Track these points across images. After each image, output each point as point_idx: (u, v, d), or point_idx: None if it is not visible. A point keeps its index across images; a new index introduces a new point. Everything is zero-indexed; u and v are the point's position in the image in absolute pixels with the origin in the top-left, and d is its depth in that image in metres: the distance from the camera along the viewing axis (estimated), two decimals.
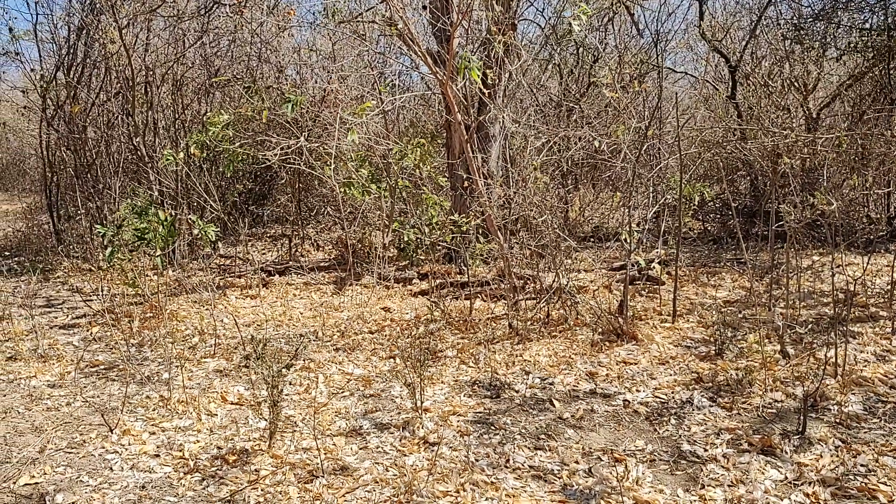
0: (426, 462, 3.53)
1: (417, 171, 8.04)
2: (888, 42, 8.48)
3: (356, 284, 7.47)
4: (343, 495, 3.24)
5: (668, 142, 8.76)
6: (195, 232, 7.46)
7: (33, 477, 3.44)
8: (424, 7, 8.19)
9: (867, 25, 9.17)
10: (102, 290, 6.92)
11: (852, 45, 9.07)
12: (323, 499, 3.19)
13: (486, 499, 3.19)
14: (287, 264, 8.26)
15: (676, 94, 8.02)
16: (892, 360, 4.73)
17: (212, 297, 6.63)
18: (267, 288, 7.41)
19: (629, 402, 4.28)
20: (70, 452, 3.71)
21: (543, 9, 13.49)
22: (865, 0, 9.08)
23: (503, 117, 7.93)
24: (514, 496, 3.21)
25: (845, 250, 7.52)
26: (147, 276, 7.09)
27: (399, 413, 4.17)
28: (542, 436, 3.84)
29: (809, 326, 5.48)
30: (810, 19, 9.47)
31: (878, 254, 7.93)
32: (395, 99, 9.57)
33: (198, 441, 3.82)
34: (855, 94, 9.51)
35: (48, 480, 3.41)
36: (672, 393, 4.38)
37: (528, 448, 3.70)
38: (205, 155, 8.68)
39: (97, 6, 9.00)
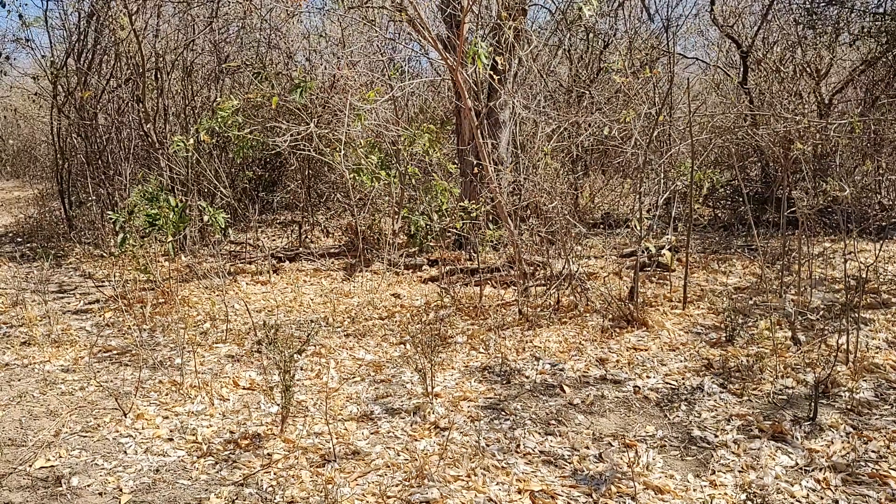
0: (437, 447, 3.55)
1: (427, 157, 8.03)
2: None
3: (366, 271, 7.48)
4: (355, 479, 3.26)
5: (679, 128, 8.72)
6: (205, 218, 7.49)
7: (49, 460, 3.48)
8: None
9: (881, 9, 9.07)
10: (114, 276, 6.96)
11: (865, 29, 8.97)
12: (335, 483, 3.22)
13: (497, 483, 3.21)
14: (297, 251, 8.28)
15: (688, 79, 7.97)
16: None
17: (223, 283, 6.66)
18: (277, 274, 7.44)
19: (639, 388, 4.28)
20: (84, 436, 3.76)
21: None
22: None
23: (513, 103, 7.90)
24: (524, 481, 3.22)
25: (857, 237, 7.47)
26: (158, 261, 7.13)
27: (410, 398, 4.19)
28: (553, 421, 3.86)
29: (821, 313, 5.46)
30: (823, 3, 9.37)
31: (891, 240, 7.88)
32: (404, 85, 9.53)
33: (211, 425, 3.86)
34: (868, 80, 9.42)
35: (63, 463, 3.45)
36: (682, 379, 4.38)
37: (539, 433, 3.71)
38: (215, 141, 8.70)
39: None
